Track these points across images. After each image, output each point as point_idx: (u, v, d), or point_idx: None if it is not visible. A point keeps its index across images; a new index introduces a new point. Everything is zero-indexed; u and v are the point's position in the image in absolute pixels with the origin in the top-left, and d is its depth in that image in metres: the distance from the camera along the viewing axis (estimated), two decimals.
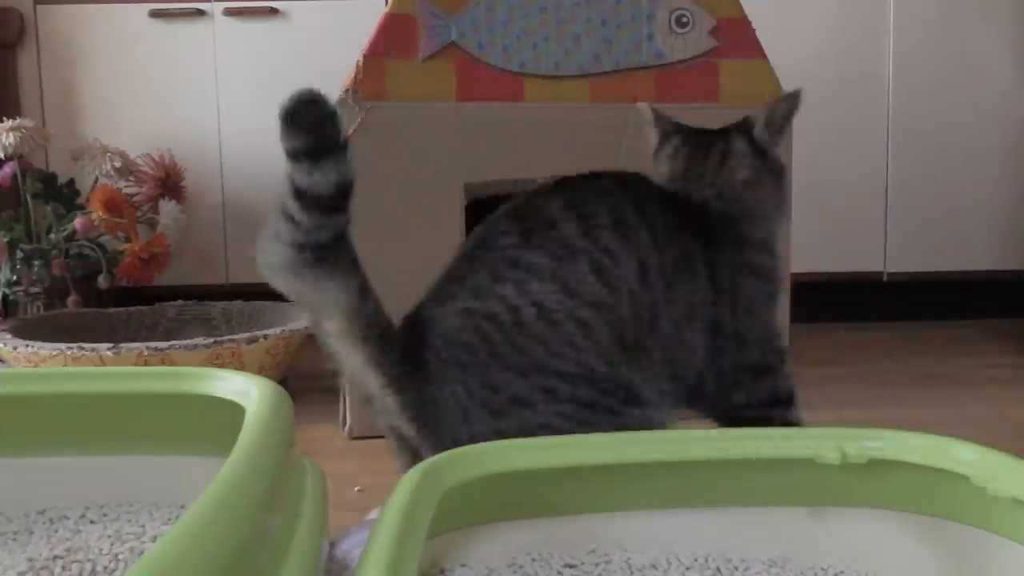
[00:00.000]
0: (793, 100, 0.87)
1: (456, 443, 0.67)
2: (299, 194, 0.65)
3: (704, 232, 0.81)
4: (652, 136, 0.91)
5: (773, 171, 0.87)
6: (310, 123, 0.64)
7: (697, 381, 0.79)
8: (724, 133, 0.88)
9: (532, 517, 0.63)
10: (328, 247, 0.67)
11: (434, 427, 0.70)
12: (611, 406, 0.71)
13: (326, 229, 0.66)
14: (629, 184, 0.80)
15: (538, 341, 0.70)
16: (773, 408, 0.81)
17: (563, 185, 0.79)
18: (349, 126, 1.16)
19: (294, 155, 0.64)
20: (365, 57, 1.18)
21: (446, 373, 0.70)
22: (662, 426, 0.75)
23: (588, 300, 0.71)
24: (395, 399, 0.70)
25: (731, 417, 0.81)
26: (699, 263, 0.78)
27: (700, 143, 0.87)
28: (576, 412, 0.70)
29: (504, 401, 0.69)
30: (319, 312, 0.70)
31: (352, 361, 0.71)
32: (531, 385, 0.69)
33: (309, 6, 1.90)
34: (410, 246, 1.09)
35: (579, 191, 0.78)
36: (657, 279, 0.75)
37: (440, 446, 0.68)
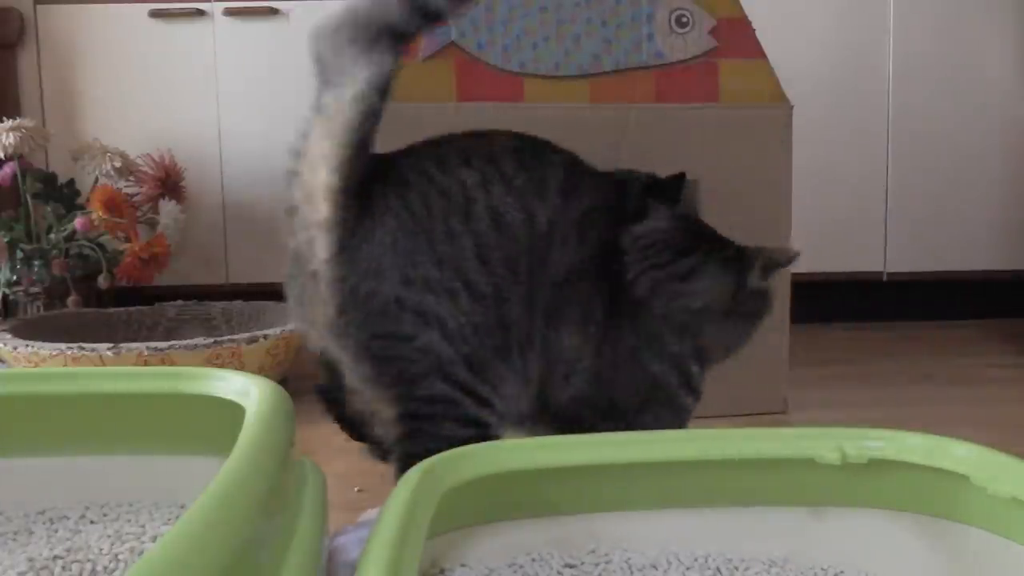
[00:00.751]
0: (792, 255, 0.80)
1: (355, 290, 0.68)
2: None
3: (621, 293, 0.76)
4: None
5: (742, 313, 0.80)
6: None
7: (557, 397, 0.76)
8: (709, 252, 0.79)
9: (532, 517, 0.63)
10: (402, 32, 0.67)
11: (349, 259, 0.68)
12: (490, 343, 0.70)
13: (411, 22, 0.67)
14: (614, 206, 0.78)
15: (472, 240, 0.69)
16: None
17: (580, 164, 0.79)
18: None
19: None
20: None
21: (384, 220, 0.69)
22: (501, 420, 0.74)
23: (538, 240, 0.71)
24: (327, 214, 0.68)
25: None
26: (595, 325, 0.74)
27: (683, 241, 0.78)
28: (461, 330, 0.69)
29: (416, 276, 0.69)
30: (343, 97, 0.69)
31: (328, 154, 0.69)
32: (442, 277, 0.69)
33: (309, 6, 1.90)
34: None
35: (585, 170, 0.78)
36: (568, 295, 0.73)
37: (344, 284, 0.68)
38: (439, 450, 0.63)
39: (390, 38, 0.67)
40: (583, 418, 0.76)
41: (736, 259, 0.79)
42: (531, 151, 0.75)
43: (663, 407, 0.78)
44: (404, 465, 0.71)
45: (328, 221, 0.69)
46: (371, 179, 0.70)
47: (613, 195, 0.79)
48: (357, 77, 0.67)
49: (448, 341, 0.69)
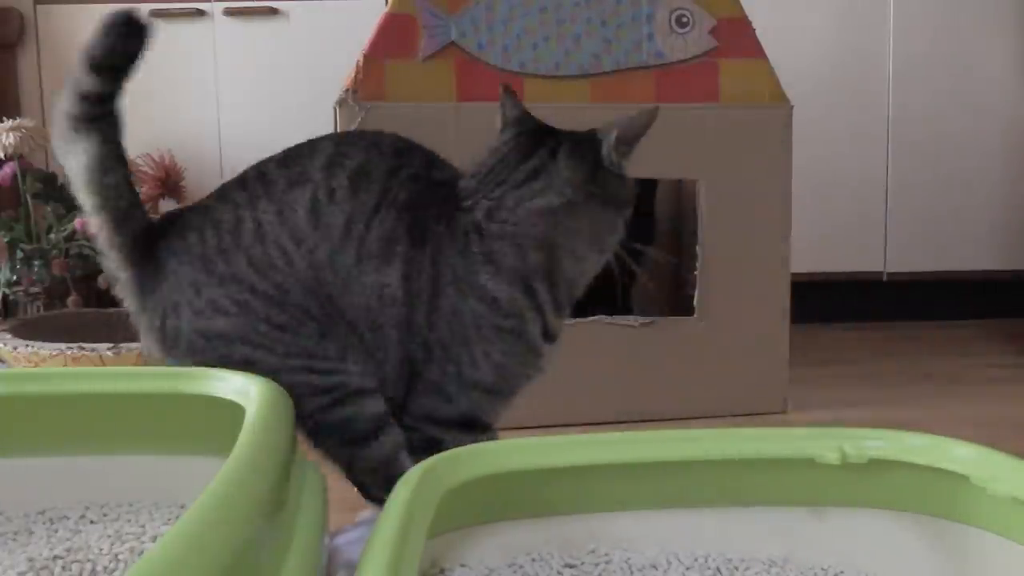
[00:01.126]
0: (650, 116, 0.76)
1: (163, 330, 0.73)
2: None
3: (432, 226, 0.74)
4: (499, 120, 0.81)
5: (604, 198, 0.76)
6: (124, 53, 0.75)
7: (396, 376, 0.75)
8: (556, 144, 0.76)
9: (532, 517, 0.63)
10: (88, 117, 0.74)
11: (151, 312, 0.74)
12: (305, 332, 0.72)
13: (89, 101, 0.74)
14: (407, 152, 0.77)
15: (244, 254, 0.72)
16: (430, 425, 0.75)
17: (361, 133, 0.82)
18: (349, 126, 1.16)
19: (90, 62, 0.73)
20: (365, 57, 1.18)
21: (167, 263, 0.73)
22: (361, 390, 0.73)
23: (292, 231, 0.73)
24: (124, 275, 0.75)
25: (405, 424, 0.76)
26: (398, 256, 0.73)
27: (525, 147, 0.76)
28: (268, 335, 0.72)
29: (204, 303, 0.72)
30: (74, 183, 0.75)
31: (97, 231, 0.75)
32: (226, 293, 0.72)
33: (309, 6, 1.90)
34: None
35: (364, 137, 0.79)
36: (354, 246, 0.72)
37: (152, 330, 0.74)
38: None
39: (84, 123, 0.75)
40: (425, 359, 0.75)
41: (589, 139, 0.76)
42: (296, 152, 0.77)
43: (509, 336, 0.74)
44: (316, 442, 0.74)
45: (125, 284, 0.75)
46: (158, 236, 0.75)
47: (396, 159, 0.77)
48: (77, 165, 0.74)
49: (263, 349, 0.72)
